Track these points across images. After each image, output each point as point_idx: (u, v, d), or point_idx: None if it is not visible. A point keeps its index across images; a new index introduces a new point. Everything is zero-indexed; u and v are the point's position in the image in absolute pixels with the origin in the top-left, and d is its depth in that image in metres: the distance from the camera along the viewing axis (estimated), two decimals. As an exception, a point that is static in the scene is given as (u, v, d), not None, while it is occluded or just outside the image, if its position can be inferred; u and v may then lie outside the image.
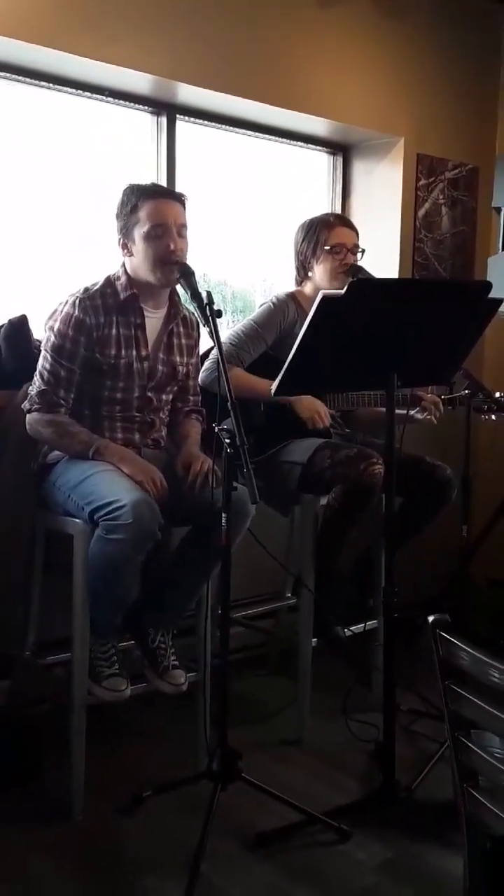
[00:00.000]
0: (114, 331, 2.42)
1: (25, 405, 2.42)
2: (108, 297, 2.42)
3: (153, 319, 2.51)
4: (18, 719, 2.60)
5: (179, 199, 2.45)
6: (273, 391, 2.30)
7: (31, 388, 2.43)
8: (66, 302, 2.41)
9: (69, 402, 2.42)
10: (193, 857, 2.10)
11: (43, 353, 2.42)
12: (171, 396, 2.60)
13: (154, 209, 2.38)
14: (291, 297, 2.91)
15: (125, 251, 2.44)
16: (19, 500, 2.56)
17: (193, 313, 2.59)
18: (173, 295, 2.55)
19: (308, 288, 2.94)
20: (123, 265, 2.47)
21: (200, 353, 2.76)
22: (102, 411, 2.46)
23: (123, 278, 2.45)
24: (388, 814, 2.35)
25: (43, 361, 2.41)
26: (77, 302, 2.39)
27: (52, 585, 2.58)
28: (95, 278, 2.48)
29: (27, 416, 2.42)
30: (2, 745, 2.52)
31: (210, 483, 2.31)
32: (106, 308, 2.41)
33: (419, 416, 2.82)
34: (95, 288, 2.43)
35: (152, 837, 2.28)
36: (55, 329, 2.39)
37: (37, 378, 2.42)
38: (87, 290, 2.43)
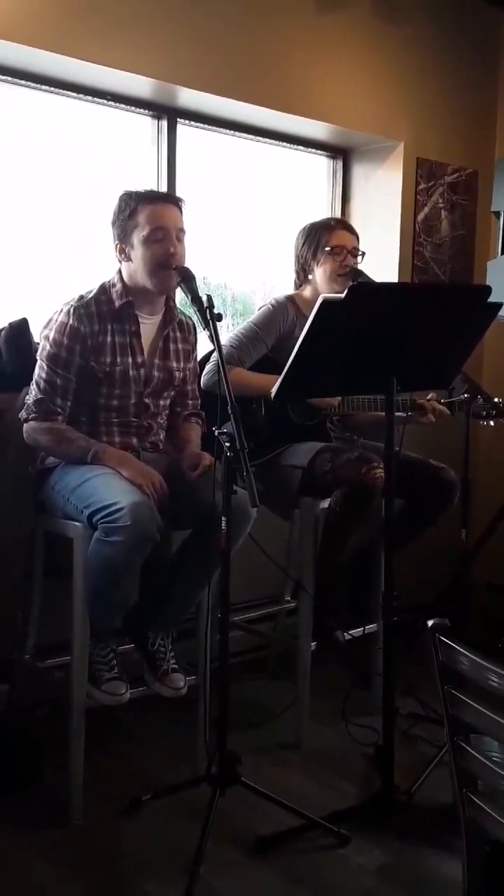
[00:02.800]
0: (109, 338, 2.42)
1: (22, 414, 2.42)
2: (103, 305, 2.42)
3: (148, 325, 2.51)
4: (18, 723, 2.61)
5: (177, 203, 2.45)
6: (273, 395, 2.30)
7: (27, 397, 2.44)
8: (61, 311, 2.41)
9: (66, 410, 2.42)
10: (192, 862, 2.10)
11: (38, 362, 2.42)
12: (168, 402, 2.60)
13: (153, 213, 2.38)
14: (290, 300, 2.92)
15: (122, 256, 2.44)
16: (19, 504, 2.56)
17: (190, 318, 2.60)
18: (168, 300, 2.55)
19: (307, 291, 2.94)
20: (119, 272, 2.47)
21: (200, 356, 2.77)
22: (100, 418, 2.46)
23: (119, 285, 2.45)
24: (387, 818, 2.35)
25: (39, 371, 2.41)
26: (71, 310, 2.39)
27: (52, 589, 2.58)
28: (92, 284, 2.48)
29: (24, 425, 2.42)
30: (1, 748, 2.52)
31: (212, 484, 2.32)
32: (100, 316, 2.41)
33: (420, 417, 2.83)
34: (90, 296, 2.43)
35: (151, 841, 2.28)
36: (50, 338, 2.39)
37: (33, 387, 2.42)
38: (81, 297, 2.43)
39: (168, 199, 2.46)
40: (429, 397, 2.87)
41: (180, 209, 2.44)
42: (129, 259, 2.43)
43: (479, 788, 1.45)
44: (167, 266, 2.37)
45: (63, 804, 2.35)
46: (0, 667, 2.67)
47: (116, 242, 2.45)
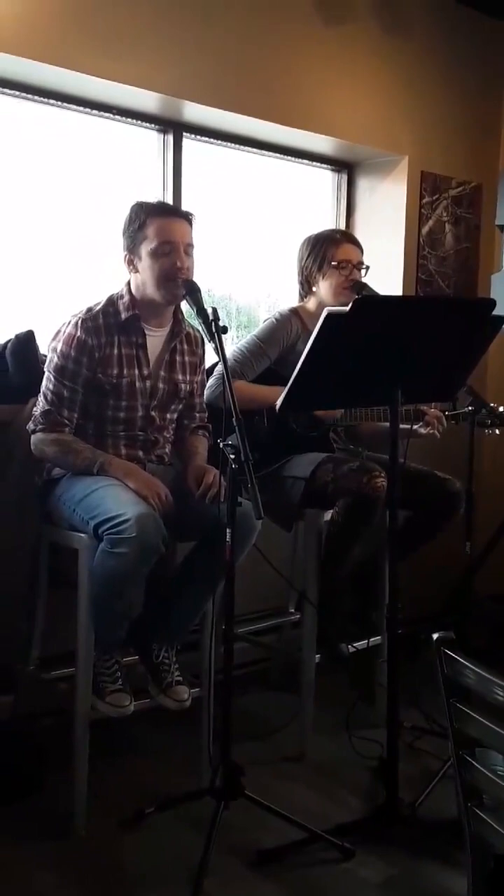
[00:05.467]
0: (115, 350, 2.43)
1: (30, 426, 2.44)
2: (110, 317, 2.44)
3: (155, 338, 2.52)
4: (22, 733, 2.60)
5: (187, 217, 2.47)
6: (278, 408, 2.31)
7: (35, 408, 2.45)
8: (69, 322, 2.42)
9: (73, 422, 2.43)
10: (196, 874, 2.10)
11: (46, 373, 2.44)
12: (175, 415, 2.60)
13: (162, 227, 2.40)
14: (294, 312, 2.92)
15: (130, 267, 2.46)
16: (24, 515, 2.56)
17: (198, 330, 2.60)
18: (177, 312, 2.56)
19: (311, 304, 2.95)
20: (128, 283, 2.48)
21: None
22: (106, 430, 2.47)
23: (126, 297, 2.46)
24: (391, 832, 2.34)
25: (46, 382, 2.43)
26: (79, 322, 2.40)
27: (57, 600, 2.58)
28: (100, 296, 2.49)
29: (31, 436, 2.43)
30: (5, 759, 2.52)
31: (219, 496, 2.32)
32: (107, 328, 2.42)
33: (423, 430, 2.83)
34: (97, 308, 2.45)
35: (155, 853, 2.27)
36: (58, 350, 2.41)
37: (41, 399, 2.44)
38: (89, 310, 2.44)
39: (178, 214, 2.47)
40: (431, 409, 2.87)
41: (190, 224, 2.46)
42: (136, 270, 2.44)
43: (484, 802, 1.45)
44: (174, 279, 2.38)
45: (66, 815, 2.35)
46: (4, 677, 2.67)
47: (125, 253, 2.46)
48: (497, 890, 1.53)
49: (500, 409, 2.92)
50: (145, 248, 2.40)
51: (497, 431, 2.99)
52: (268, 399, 2.66)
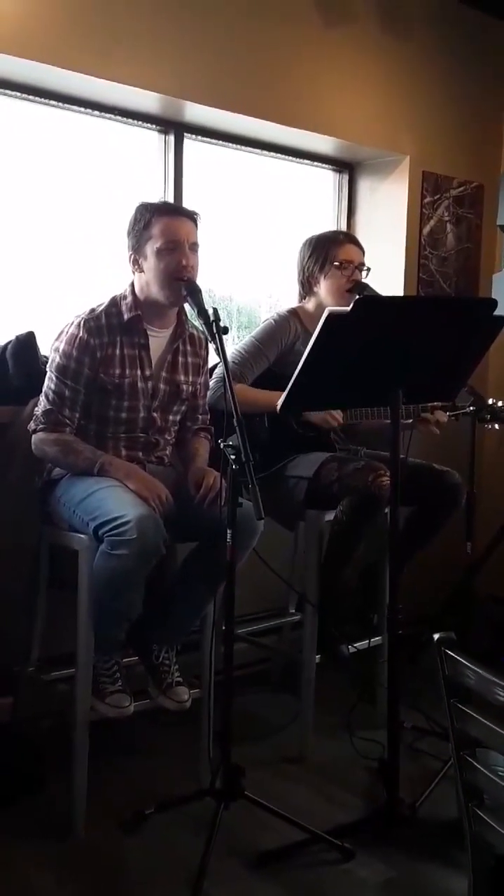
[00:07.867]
0: (118, 351, 2.43)
1: (31, 426, 2.44)
2: (113, 318, 2.44)
3: (158, 339, 2.52)
4: (22, 735, 2.60)
5: (192, 216, 2.47)
6: (279, 408, 2.31)
7: (36, 408, 2.45)
8: (72, 323, 2.42)
9: (74, 422, 2.43)
10: (196, 876, 2.09)
11: (48, 373, 2.44)
12: (178, 417, 2.60)
13: (167, 226, 2.40)
14: (293, 313, 2.92)
15: (135, 267, 2.46)
16: (24, 516, 2.56)
17: (202, 331, 2.60)
18: (180, 313, 2.56)
19: (311, 304, 2.95)
20: (132, 284, 2.48)
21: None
22: (107, 431, 2.47)
23: (130, 298, 2.46)
24: (391, 832, 2.34)
25: (48, 382, 2.43)
26: (82, 323, 2.40)
27: (57, 601, 2.58)
28: (102, 297, 2.49)
29: (33, 436, 2.43)
30: (5, 760, 2.52)
31: (219, 499, 2.32)
32: (110, 328, 2.42)
33: (423, 427, 2.84)
34: (100, 308, 2.45)
35: (154, 855, 2.27)
36: (60, 350, 2.41)
37: (42, 398, 2.44)
38: (92, 310, 2.44)
39: (183, 213, 2.47)
40: (430, 406, 2.87)
41: (195, 223, 2.46)
42: (141, 270, 2.44)
43: (484, 803, 1.44)
44: (179, 278, 2.38)
45: (66, 817, 2.35)
46: (5, 679, 2.67)
47: (130, 253, 2.46)
48: (498, 891, 1.53)
49: (500, 403, 2.92)
50: (151, 248, 2.40)
51: (497, 426, 2.99)
52: (270, 404, 2.65)
